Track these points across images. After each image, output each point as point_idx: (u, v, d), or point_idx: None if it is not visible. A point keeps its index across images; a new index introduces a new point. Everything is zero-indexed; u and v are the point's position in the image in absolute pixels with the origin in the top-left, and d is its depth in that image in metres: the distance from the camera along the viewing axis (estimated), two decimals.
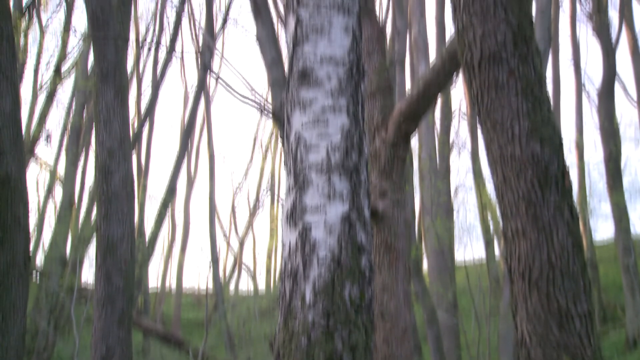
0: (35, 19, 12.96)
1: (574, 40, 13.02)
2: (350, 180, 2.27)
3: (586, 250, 11.49)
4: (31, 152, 11.76)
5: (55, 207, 14.22)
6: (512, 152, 2.89)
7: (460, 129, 14.85)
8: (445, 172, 10.24)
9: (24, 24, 11.74)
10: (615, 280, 12.10)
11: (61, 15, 13.29)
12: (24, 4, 11.76)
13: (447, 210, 9.96)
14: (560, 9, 13.41)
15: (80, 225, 11.57)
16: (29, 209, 3.93)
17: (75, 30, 12.52)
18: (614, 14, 12.36)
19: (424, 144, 10.15)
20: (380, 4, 14.14)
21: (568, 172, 2.94)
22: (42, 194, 14.09)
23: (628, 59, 12.17)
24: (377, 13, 9.16)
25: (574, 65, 12.99)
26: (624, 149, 11.84)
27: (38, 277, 10.36)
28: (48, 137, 11.69)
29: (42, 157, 12.59)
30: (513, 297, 2.92)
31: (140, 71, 14.53)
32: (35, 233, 12.45)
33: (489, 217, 12.69)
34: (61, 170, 12.08)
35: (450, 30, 10.68)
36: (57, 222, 10.80)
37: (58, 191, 13.46)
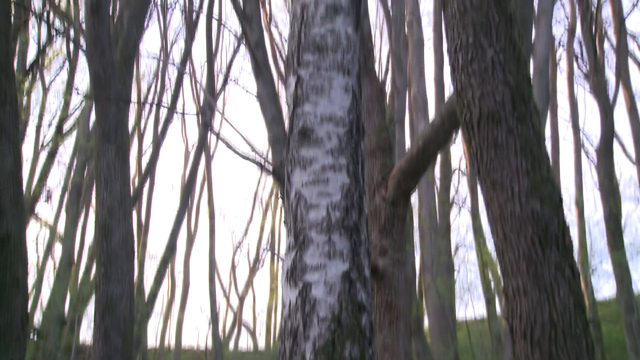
0: (38, 79, 13.11)
1: (572, 99, 13.16)
2: (350, 239, 2.27)
3: (588, 309, 11.40)
4: (31, 211, 11.76)
5: (54, 265, 14.16)
6: (512, 210, 2.90)
7: (460, 187, 14.86)
8: (445, 230, 10.24)
9: (27, 84, 11.87)
10: (618, 339, 11.99)
11: (64, 75, 13.44)
12: (27, 64, 11.92)
13: (448, 268, 9.93)
14: (558, 69, 13.59)
15: (79, 284, 11.51)
16: (28, 268, 3.91)
17: (77, 90, 12.66)
18: (610, 74, 12.53)
19: (424, 202, 10.16)
20: (380, 62, 14.34)
21: (568, 230, 2.94)
22: (42, 252, 14.05)
23: (626, 117, 12.29)
24: (377, 72, 9.27)
25: (572, 124, 13.10)
26: (624, 207, 11.86)
27: (36, 336, 10.26)
28: (49, 195, 11.71)
29: (42, 215, 12.58)
30: (515, 356, 2.89)
31: (142, 129, 14.64)
32: (34, 292, 12.37)
33: (490, 275, 12.63)
34: (61, 228, 12.08)
35: (449, 88, 10.80)
36: (56, 281, 10.74)
37: (58, 249, 13.42)
